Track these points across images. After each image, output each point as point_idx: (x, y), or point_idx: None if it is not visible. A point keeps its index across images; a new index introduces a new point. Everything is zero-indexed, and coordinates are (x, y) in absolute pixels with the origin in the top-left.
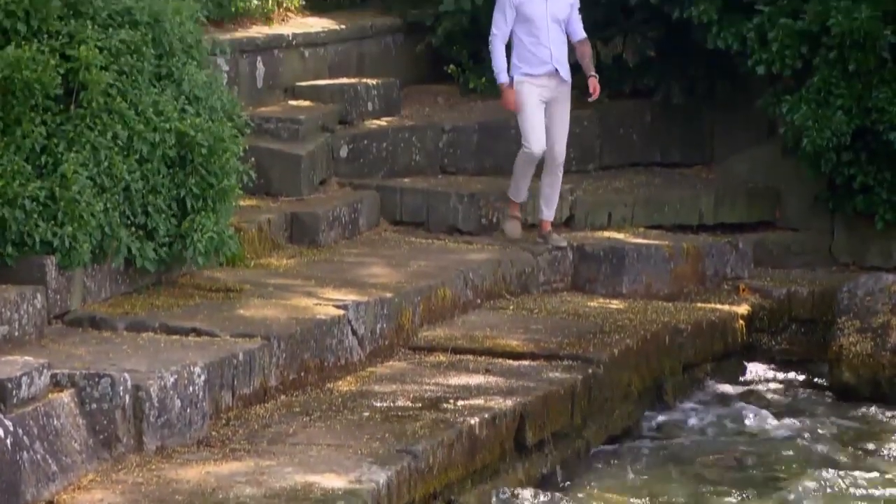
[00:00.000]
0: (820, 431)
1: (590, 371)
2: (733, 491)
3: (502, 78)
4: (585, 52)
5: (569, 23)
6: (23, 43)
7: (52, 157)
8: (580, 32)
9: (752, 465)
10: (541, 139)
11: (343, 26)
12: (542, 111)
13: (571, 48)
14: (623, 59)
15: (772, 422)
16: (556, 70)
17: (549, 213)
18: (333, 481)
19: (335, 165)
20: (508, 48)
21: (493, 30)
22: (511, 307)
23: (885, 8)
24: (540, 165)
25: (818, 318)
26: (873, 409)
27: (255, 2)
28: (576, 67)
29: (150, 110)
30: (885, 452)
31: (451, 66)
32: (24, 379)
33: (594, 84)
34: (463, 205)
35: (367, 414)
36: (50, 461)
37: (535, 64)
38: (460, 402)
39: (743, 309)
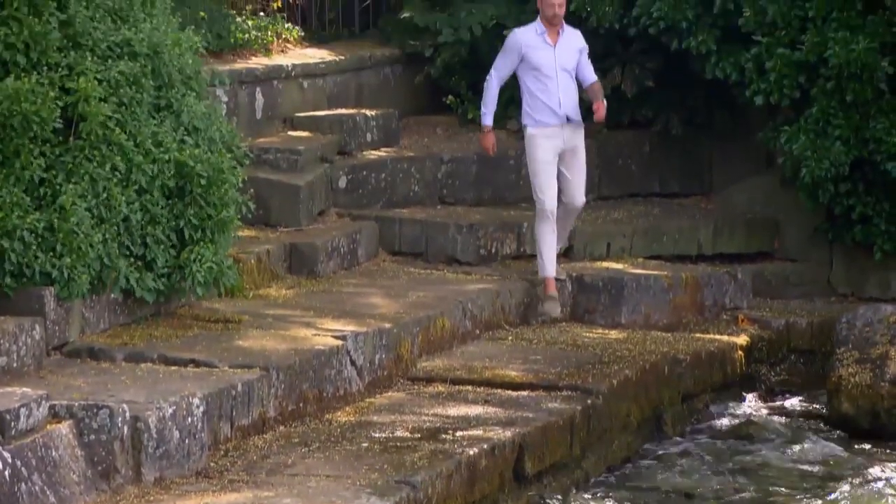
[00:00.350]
0: (819, 462)
1: (589, 402)
2: None
3: (486, 120)
4: (597, 91)
5: (579, 69)
6: (22, 75)
7: (51, 189)
8: (590, 76)
9: (751, 496)
10: (553, 196)
11: (342, 57)
12: (554, 164)
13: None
14: (621, 90)
15: (771, 453)
16: (568, 118)
17: (559, 243)
18: None
19: (334, 196)
20: (504, 93)
21: (493, 69)
22: (510, 338)
23: (882, 39)
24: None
25: (817, 349)
26: (872, 439)
27: (255, 33)
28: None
29: (149, 142)
30: (883, 482)
31: (450, 97)
32: (23, 410)
33: (599, 105)
34: (462, 235)
35: (365, 445)
36: (48, 493)
37: (546, 114)
38: (459, 433)
39: (742, 339)
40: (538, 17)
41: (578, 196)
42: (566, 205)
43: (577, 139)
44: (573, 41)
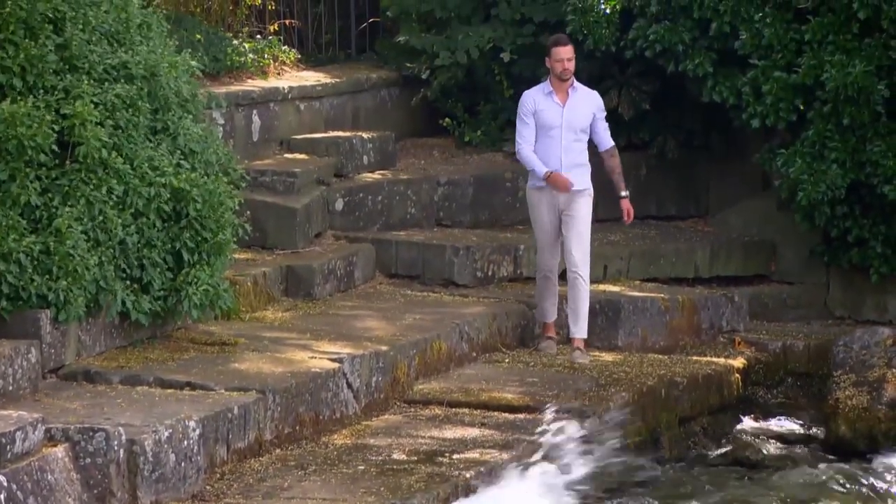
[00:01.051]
0: (816, 485)
1: (586, 424)
2: None
3: (541, 171)
4: (614, 165)
5: (593, 132)
6: (18, 98)
7: (47, 212)
8: (606, 142)
9: None
10: (549, 257)
11: (338, 80)
12: (553, 223)
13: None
14: (618, 113)
15: (768, 476)
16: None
17: (575, 329)
18: None
19: (330, 218)
20: (499, 115)
21: (518, 139)
22: (507, 360)
23: (878, 62)
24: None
25: (814, 372)
26: (869, 462)
27: (251, 55)
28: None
29: (146, 165)
30: None
31: (447, 119)
32: (19, 434)
33: (627, 207)
34: (458, 258)
35: (362, 468)
36: None
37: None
38: (456, 456)
39: (739, 362)
40: (549, 76)
41: (576, 256)
42: (568, 273)
43: (578, 204)
44: (586, 102)
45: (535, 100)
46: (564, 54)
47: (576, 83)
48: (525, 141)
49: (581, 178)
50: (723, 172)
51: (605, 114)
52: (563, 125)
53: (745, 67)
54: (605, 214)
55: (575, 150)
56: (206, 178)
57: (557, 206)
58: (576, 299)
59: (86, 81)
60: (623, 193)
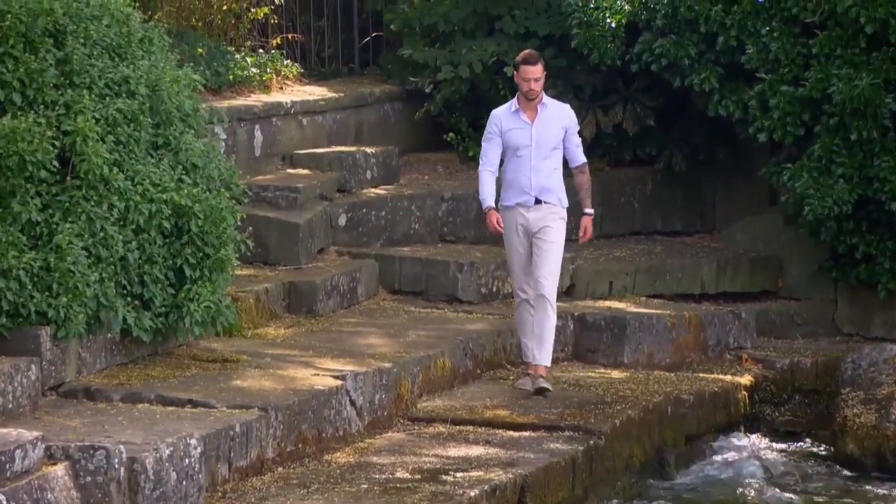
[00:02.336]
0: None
1: (591, 442)
2: None
3: (486, 203)
4: (583, 182)
5: (565, 148)
6: (18, 114)
7: (48, 229)
8: (577, 158)
9: None
10: (522, 278)
11: (341, 94)
12: (524, 244)
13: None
14: (623, 128)
15: (776, 494)
16: (537, 199)
17: (539, 356)
18: None
19: (333, 234)
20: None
21: (481, 159)
22: (512, 377)
23: (886, 76)
24: None
25: (822, 389)
26: (877, 480)
27: (253, 70)
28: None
29: (147, 181)
30: None
31: (451, 133)
32: (18, 452)
33: (586, 224)
34: (462, 274)
35: (365, 486)
36: None
37: (512, 192)
38: (460, 474)
39: (746, 379)
40: (515, 97)
41: (543, 281)
42: (535, 296)
43: (548, 222)
44: (557, 118)
45: (501, 120)
46: (532, 73)
47: (545, 98)
48: (485, 164)
49: (552, 200)
50: (729, 187)
51: (578, 128)
52: (532, 144)
53: (752, 81)
54: (610, 229)
55: (545, 169)
56: (207, 193)
57: (528, 228)
58: (541, 324)
59: (87, 96)
60: (588, 211)
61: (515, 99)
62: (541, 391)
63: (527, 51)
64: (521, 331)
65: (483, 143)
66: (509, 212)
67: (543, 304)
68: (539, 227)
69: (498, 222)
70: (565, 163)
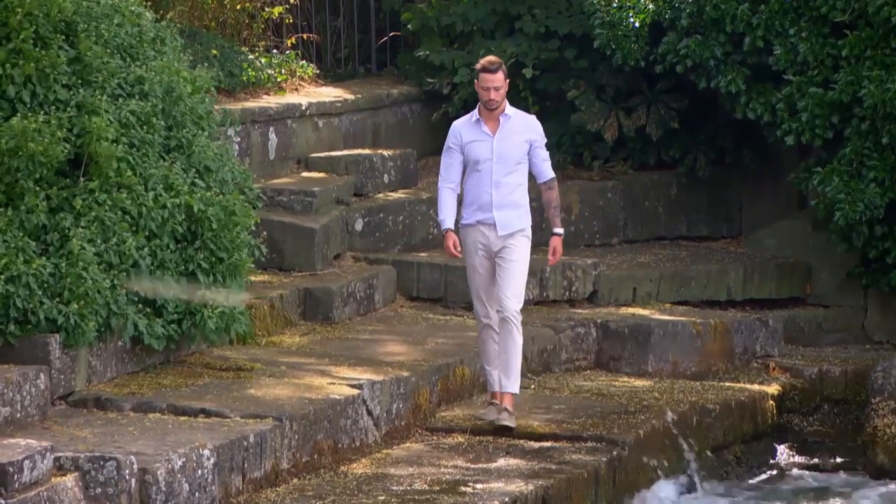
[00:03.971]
0: None
1: (614, 453)
2: None
3: (443, 225)
4: (551, 198)
5: (531, 162)
6: (29, 113)
7: (58, 233)
8: (544, 173)
9: None
10: (483, 297)
11: (358, 95)
12: (486, 265)
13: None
14: (646, 131)
15: None
16: (499, 217)
17: (506, 383)
18: None
19: (350, 239)
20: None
21: (440, 174)
22: (532, 386)
23: None
24: None
25: (851, 399)
26: None
27: (268, 71)
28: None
29: (160, 185)
30: None
31: None
32: (27, 462)
33: (554, 245)
34: None
35: (382, 498)
36: None
37: (473, 209)
38: (480, 486)
39: (773, 388)
40: (477, 107)
41: (506, 302)
42: (500, 317)
43: (511, 241)
44: (521, 130)
45: (461, 131)
46: (491, 82)
47: (509, 109)
48: (444, 179)
49: (515, 218)
50: (756, 191)
51: (545, 141)
52: (493, 158)
53: (780, 83)
54: (634, 234)
55: (508, 185)
56: (221, 196)
57: (489, 247)
58: (507, 348)
59: (100, 96)
60: (557, 231)
61: (477, 109)
62: (502, 430)
63: (487, 57)
64: (483, 359)
65: (442, 157)
66: (470, 230)
67: (508, 326)
68: (501, 247)
69: (455, 246)
70: (532, 178)
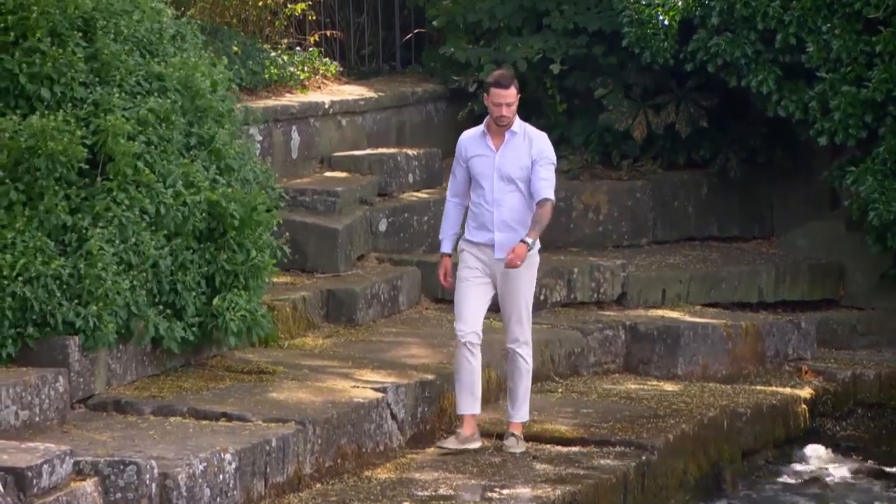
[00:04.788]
0: None
1: (643, 458)
2: None
3: (441, 247)
4: (539, 215)
5: (531, 182)
6: (47, 111)
7: (77, 233)
8: (541, 193)
9: None
10: (470, 324)
11: (382, 94)
12: (480, 286)
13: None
14: (676, 129)
15: None
16: (501, 240)
17: (512, 412)
18: None
19: (374, 240)
20: (553, 130)
21: (448, 188)
22: (560, 390)
23: None
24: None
25: (886, 403)
26: None
27: (290, 69)
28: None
29: (180, 183)
30: None
31: None
32: (45, 467)
33: (517, 249)
34: None
35: (407, 503)
36: None
37: (479, 228)
38: (506, 491)
39: (806, 392)
40: (486, 118)
41: (510, 333)
42: (507, 348)
43: (516, 271)
44: (526, 147)
45: (467, 146)
46: (504, 98)
47: (517, 125)
48: (450, 193)
49: (519, 234)
50: (788, 191)
51: (549, 162)
52: (494, 175)
53: (812, 81)
54: (664, 235)
55: (509, 204)
56: (243, 192)
57: (490, 269)
58: (514, 377)
59: (117, 94)
60: (527, 239)
61: (485, 122)
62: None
63: (499, 71)
64: (456, 378)
65: (452, 170)
66: (470, 248)
67: (515, 357)
68: (501, 271)
69: (446, 276)
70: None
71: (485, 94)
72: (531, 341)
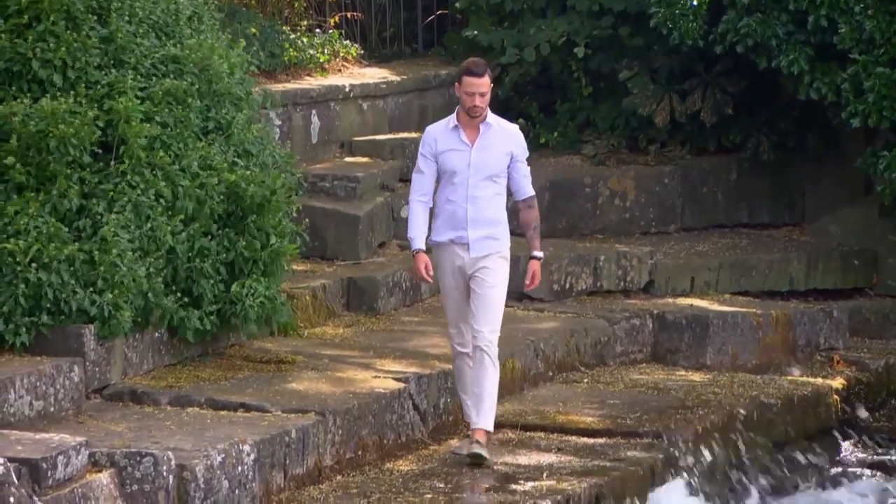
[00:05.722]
0: None
1: (672, 450)
2: None
3: (414, 244)
4: (530, 219)
5: (510, 177)
6: (59, 95)
7: (91, 219)
8: (524, 190)
9: None
10: (457, 324)
11: (404, 77)
12: (460, 288)
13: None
14: (700, 117)
15: None
16: (475, 236)
17: (477, 419)
18: None
19: (395, 227)
20: (578, 114)
21: (412, 186)
22: (585, 380)
23: None
24: None
25: None
26: None
27: (310, 51)
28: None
29: (196, 165)
30: None
31: (521, 119)
32: (60, 458)
33: (534, 269)
34: None
35: (429, 496)
36: None
37: (448, 227)
38: (530, 483)
39: (837, 382)
40: (455, 111)
41: (478, 335)
42: (474, 348)
43: (488, 262)
44: (502, 140)
45: (436, 139)
46: (477, 87)
47: (490, 117)
48: (416, 192)
49: (490, 239)
50: (820, 176)
51: (526, 155)
52: (470, 170)
53: (845, 63)
54: (692, 222)
55: (484, 200)
56: (262, 174)
57: (464, 269)
58: (480, 382)
59: (132, 77)
60: (536, 254)
61: (455, 114)
62: (476, 458)
63: (471, 59)
64: (459, 388)
65: (416, 166)
66: (442, 249)
67: (481, 357)
68: (477, 268)
69: (427, 270)
70: (510, 194)
71: (455, 84)
72: (497, 343)
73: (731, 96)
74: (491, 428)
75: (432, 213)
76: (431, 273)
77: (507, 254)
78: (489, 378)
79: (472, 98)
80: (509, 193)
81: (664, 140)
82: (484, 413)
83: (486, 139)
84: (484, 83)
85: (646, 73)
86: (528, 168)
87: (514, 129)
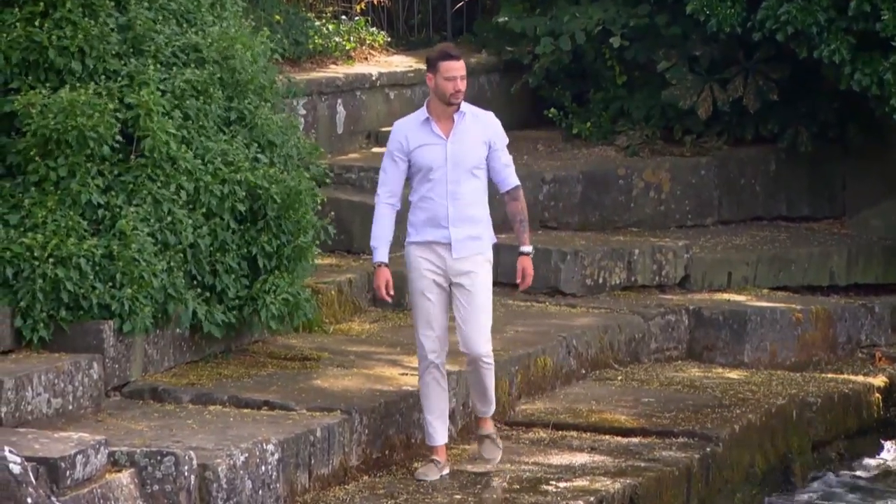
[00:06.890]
0: None
1: (708, 449)
2: None
3: (375, 256)
4: (516, 211)
5: (490, 168)
6: (78, 85)
7: (110, 212)
8: (508, 180)
9: None
10: (434, 339)
11: None
12: (435, 292)
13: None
14: (743, 104)
15: None
16: (457, 236)
17: (484, 409)
18: None
19: None
20: (612, 103)
21: (379, 187)
22: (619, 378)
23: None
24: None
25: None
26: None
27: (335, 39)
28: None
29: (219, 159)
30: None
31: (553, 109)
32: (79, 457)
33: (524, 266)
34: (565, 264)
35: (458, 497)
36: None
37: (429, 226)
38: (563, 484)
39: (879, 380)
40: (425, 103)
41: (473, 344)
42: (467, 356)
43: (472, 266)
44: (478, 129)
45: (407, 136)
46: (457, 70)
47: (463, 105)
48: (383, 193)
49: (474, 239)
50: (861, 168)
51: (506, 142)
52: (447, 165)
53: (888, 52)
54: (729, 215)
55: (466, 196)
56: (285, 173)
57: (445, 272)
58: (482, 383)
59: (151, 66)
60: (525, 249)
61: (425, 106)
62: (487, 462)
63: (444, 44)
64: (424, 405)
65: (383, 164)
66: (420, 249)
67: (481, 367)
68: (460, 273)
69: (387, 288)
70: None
71: (427, 75)
72: (490, 347)
73: (775, 83)
74: (492, 411)
75: (407, 212)
76: (392, 293)
77: (491, 255)
78: (489, 379)
79: (453, 83)
80: (492, 187)
81: (700, 131)
82: (487, 402)
83: (460, 130)
84: (462, 66)
85: (684, 62)
86: (510, 157)
87: (489, 115)
